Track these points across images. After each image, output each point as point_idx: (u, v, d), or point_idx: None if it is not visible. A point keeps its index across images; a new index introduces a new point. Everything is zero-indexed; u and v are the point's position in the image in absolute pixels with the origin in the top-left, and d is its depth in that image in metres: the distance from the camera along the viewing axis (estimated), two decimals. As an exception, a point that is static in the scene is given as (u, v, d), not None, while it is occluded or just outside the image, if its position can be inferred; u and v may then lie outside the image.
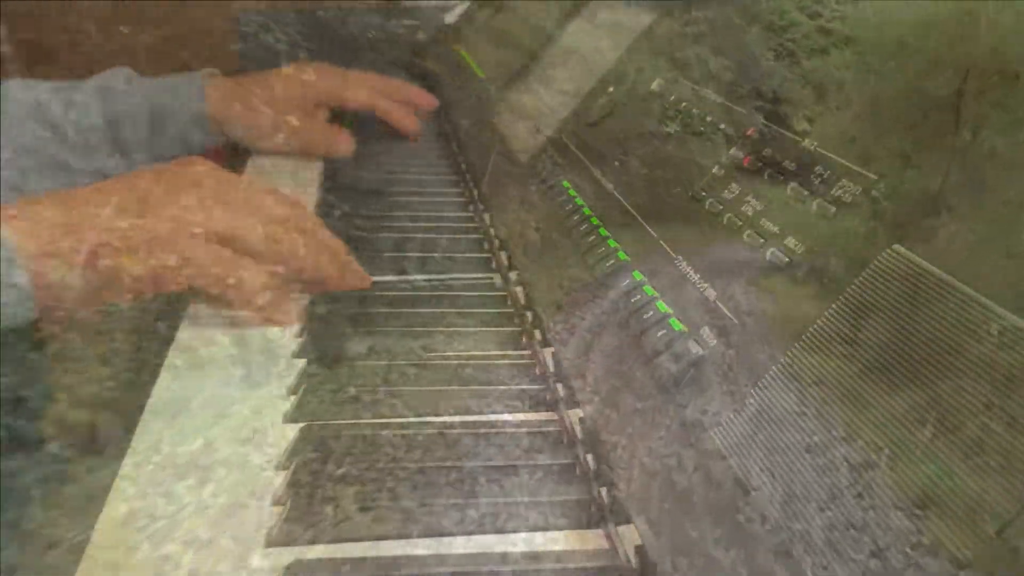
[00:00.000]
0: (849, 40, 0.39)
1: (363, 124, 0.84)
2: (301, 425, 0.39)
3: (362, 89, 0.81)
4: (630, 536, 0.32)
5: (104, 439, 0.41)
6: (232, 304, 0.46)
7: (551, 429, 0.40)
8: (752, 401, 0.30)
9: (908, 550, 0.22)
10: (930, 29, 0.35)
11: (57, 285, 0.41)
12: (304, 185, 0.72)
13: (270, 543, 0.32)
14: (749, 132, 0.42)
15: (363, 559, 0.32)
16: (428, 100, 0.88)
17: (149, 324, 0.49)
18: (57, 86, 0.64)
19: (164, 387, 0.42)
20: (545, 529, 0.34)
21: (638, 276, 0.42)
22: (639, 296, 0.41)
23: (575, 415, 0.40)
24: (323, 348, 0.46)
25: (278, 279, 0.46)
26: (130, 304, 0.44)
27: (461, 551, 0.32)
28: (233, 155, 0.74)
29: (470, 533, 0.33)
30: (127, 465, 0.36)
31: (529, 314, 0.49)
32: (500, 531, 0.33)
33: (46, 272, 0.41)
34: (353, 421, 0.40)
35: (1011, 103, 0.28)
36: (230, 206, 0.46)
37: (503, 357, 0.46)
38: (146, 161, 0.67)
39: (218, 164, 0.50)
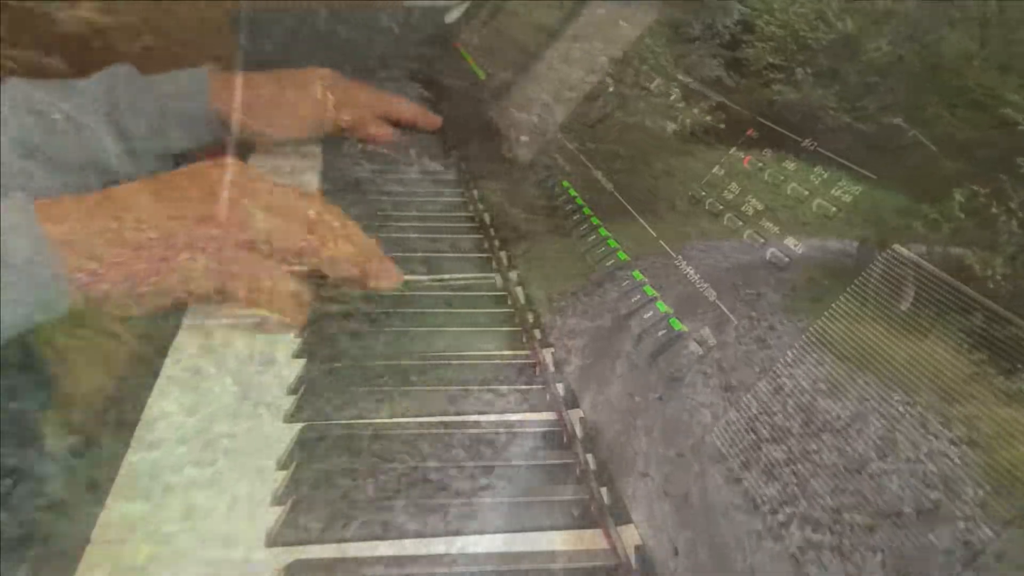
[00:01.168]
0: (849, 39, 0.39)
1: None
2: (301, 425, 0.39)
3: (362, 109, 0.80)
4: (630, 536, 0.32)
5: (104, 440, 0.41)
6: (255, 306, 0.47)
7: (551, 429, 0.40)
8: (753, 400, 0.30)
9: (910, 548, 0.22)
10: (934, 32, 0.35)
11: (92, 288, 0.42)
12: (303, 186, 0.72)
13: (270, 543, 0.32)
14: (749, 132, 0.42)
15: (363, 559, 0.32)
16: (431, 121, 0.88)
17: (150, 322, 0.49)
18: (58, 83, 0.64)
19: (165, 386, 0.42)
20: (545, 529, 0.34)
21: (638, 276, 0.42)
22: (639, 296, 0.41)
23: (575, 415, 0.40)
24: (323, 348, 0.46)
25: (303, 282, 0.48)
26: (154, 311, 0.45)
27: (461, 551, 0.32)
28: (235, 154, 0.74)
29: (470, 533, 0.33)
30: (127, 466, 0.36)
31: (529, 314, 0.49)
32: (500, 531, 0.33)
33: (81, 275, 0.41)
34: (353, 421, 0.40)
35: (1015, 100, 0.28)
36: (266, 210, 0.47)
37: (503, 357, 0.46)
38: (151, 157, 0.67)
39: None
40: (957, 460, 0.23)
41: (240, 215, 0.46)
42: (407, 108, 0.86)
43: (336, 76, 0.80)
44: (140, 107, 0.66)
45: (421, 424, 0.40)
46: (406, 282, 0.54)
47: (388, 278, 0.51)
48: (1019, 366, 0.22)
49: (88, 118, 0.63)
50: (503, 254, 0.58)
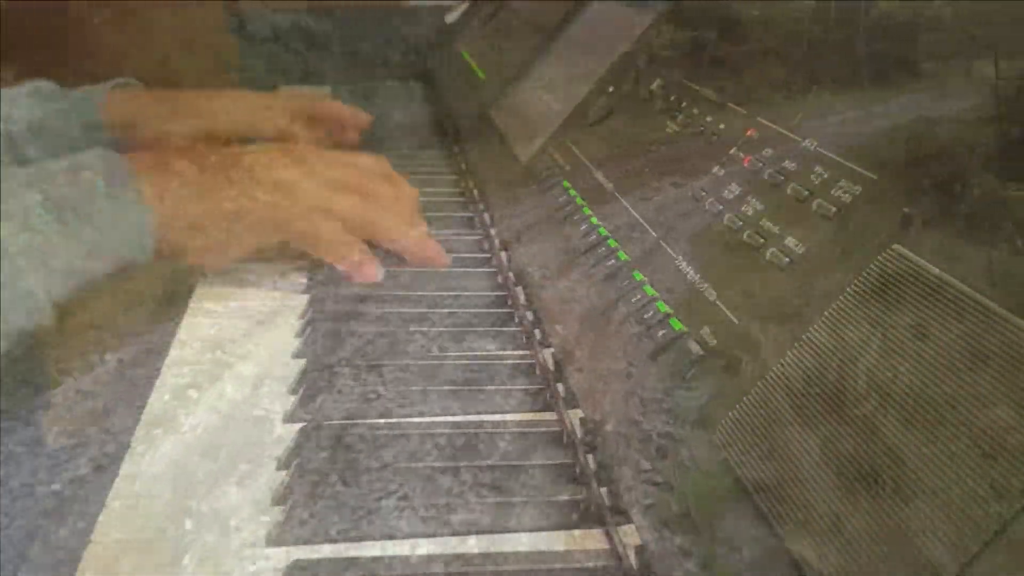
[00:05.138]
0: (847, 41, 0.39)
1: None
2: (301, 425, 0.39)
3: (280, 116, 0.76)
4: (630, 536, 0.32)
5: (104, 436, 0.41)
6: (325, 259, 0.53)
7: (551, 429, 0.40)
8: (753, 400, 0.30)
9: (905, 548, 0.22)
10: (929, 31, 0.35)
11: (177, 238, 0.48)
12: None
13: (270, 543, 0.32)
14: (749, 132, 0.42)
15: (363, 559, 0.32)
16: (359, 120, 0.85)
17: (148, 326, 0.49)
18: None
19: (166, 386, 0.42)
20: (545, 529, 0.34)
21: (638, 276, 0.42)
22: (639, 296, 0.41)
23: (575, 415, 0.40)
24: (323, 348, 0.46)
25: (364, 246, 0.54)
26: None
27: (461, 551, 0.32)
28: None
29: (470, 533, 0.33)
30: (127, 464, 0.36)
31: (529, 314, 0.49)
32: (500, 531, 0.33)
33: (169, 225, 0.47)
34: (353, 421, 0.40)
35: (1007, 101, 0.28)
36: (335, 186, 0.53)
37: (503, 357, 0.46)
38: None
39: None
40: (954, 460, 0.23)
41: (310, 187, 0.52)
42: (335, 107, 0.83)
43: (250, 93, 0.77)
44: (34, 121, 0.64)
45: (421, 424, 0.40)
46: (406, 282, 0.55)
47: (438, 260, 0.57)
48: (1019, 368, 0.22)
49: None
50: (503, 254, 0.58)
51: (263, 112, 0.76)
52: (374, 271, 0.54)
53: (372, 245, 0.55)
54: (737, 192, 0.39)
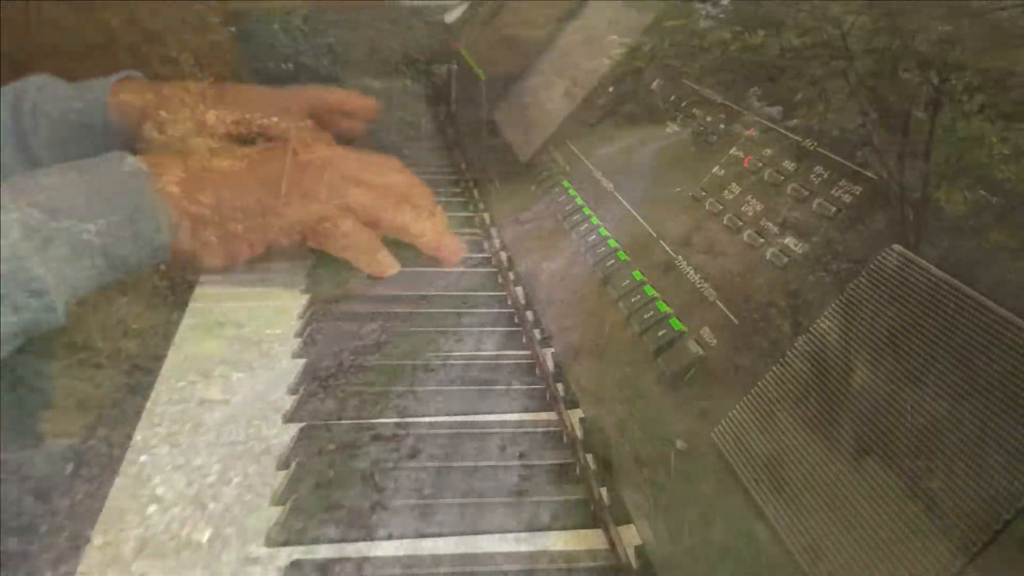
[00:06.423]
0: (848, 39, 0.39)
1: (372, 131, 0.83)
2: (301, 425, 0.39)
3: (295, 113, 0.73)
4: (630, 536, 0.32)
5: (104, 437, 0.41)
6: (342, 254, 0.53)
7: (551, 429, 0.40)
8: (753, 400, 0.30)
9: (905, 546, 0.22)
10: (924, 31, 0.35)
11: (195, 234, 0.48)
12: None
13: (270, 543, 0.32)
14: (749, 132, 0.42)
15: (363, 559, 0.32)
16: (368, 108, 0.84)
17: (147, 319, 0.50)
18: None
19: (164, 386, 0.42)
20: (545, 529, 0.34)
21: (638, 276, 0.42)
22: (639, 296, 0.41)
23: (575, 415, 0.40)
24: (323, 348, 0.46)
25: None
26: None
27: (461, 551, 0.32)
28: None
29: (470, 533, 0.33)
30: (127, 464, 0.36)
31: (529, 314, 0.49)
32: (500, 531, 0.33)
33: (187, 222, 0.47)
34: (353, 421, 0.40)
35: (1001, 102, 0.28)
36: (361, 182, 0.53)
37: (503, 357, 0.46)
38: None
39: None
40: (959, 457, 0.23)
41: (337, 184, 0.52)
42: (345, 95, 0.82)
43: (255, 88, 0.75)
44: (42, 118, 0.64)
45: (421, 424, 0.40)
46: (406, 282, 0.55)
47: (455, 255, 0.57)
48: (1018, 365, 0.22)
49: None
50: (503, 254, 0.58)
51: (275, 109, 0.75)
52: (393, 267, 0.54)
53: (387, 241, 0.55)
54: (737, 192, 0.39)
